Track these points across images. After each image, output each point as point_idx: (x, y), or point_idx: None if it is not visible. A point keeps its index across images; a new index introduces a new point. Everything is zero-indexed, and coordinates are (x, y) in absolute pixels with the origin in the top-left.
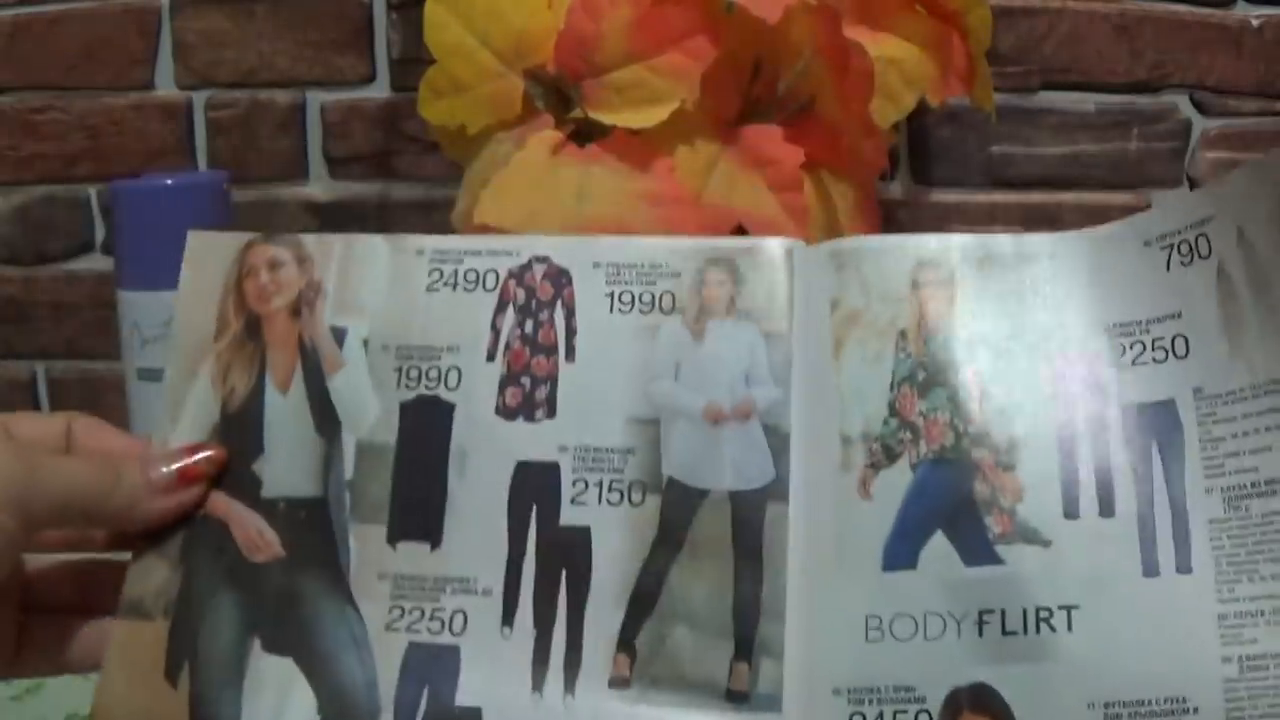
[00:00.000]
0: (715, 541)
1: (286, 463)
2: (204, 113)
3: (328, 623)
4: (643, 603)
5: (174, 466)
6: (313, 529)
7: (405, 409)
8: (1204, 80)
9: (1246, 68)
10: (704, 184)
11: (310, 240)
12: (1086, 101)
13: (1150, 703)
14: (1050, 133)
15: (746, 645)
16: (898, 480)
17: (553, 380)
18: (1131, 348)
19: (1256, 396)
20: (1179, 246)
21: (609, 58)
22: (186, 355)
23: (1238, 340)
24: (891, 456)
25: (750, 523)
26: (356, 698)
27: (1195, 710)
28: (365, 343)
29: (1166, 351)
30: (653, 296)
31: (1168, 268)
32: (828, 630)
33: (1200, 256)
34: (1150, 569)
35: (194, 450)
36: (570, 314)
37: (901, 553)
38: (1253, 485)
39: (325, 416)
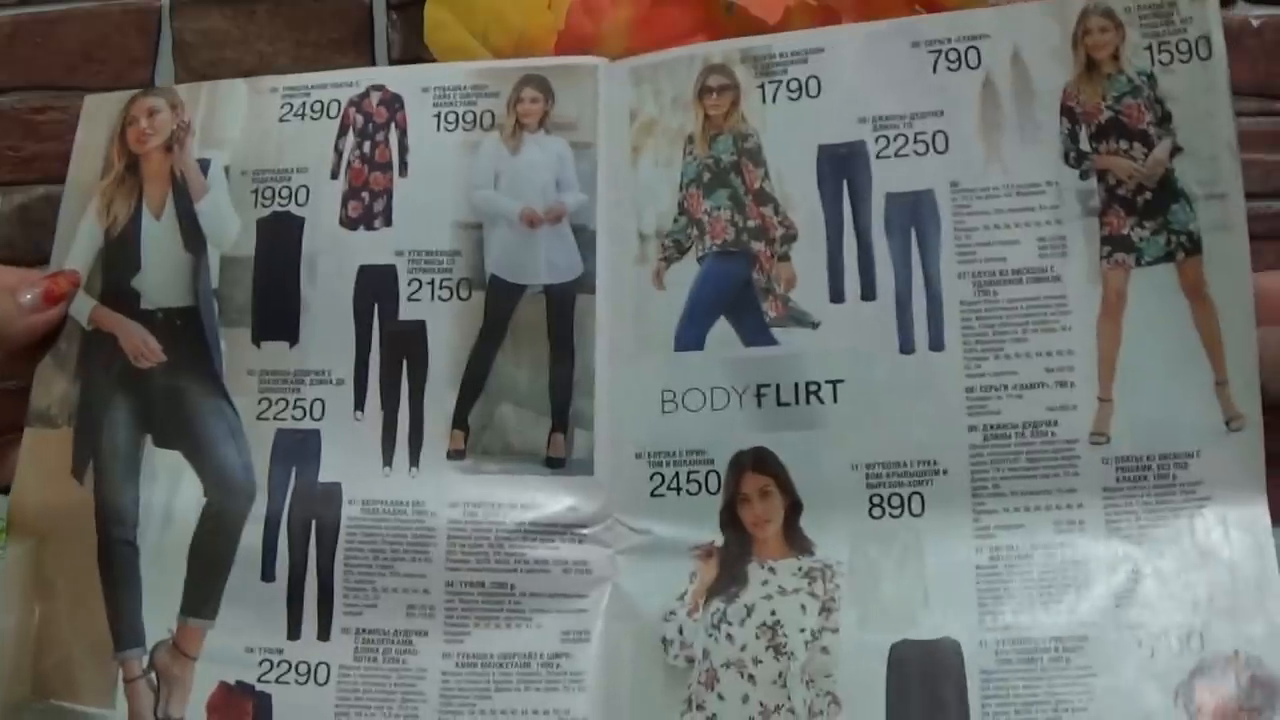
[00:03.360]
0: (533, 329)
1: (161, 278)
2: None
3: (208, 417)
4: (473, 385)
5: (38, 290)
6: (188, 335)
7: (261, 224)
8: None
9: (1246, 68)
10: None
11: (182, 89)
12: None
13: (906, 464)
14: None
15: (562, 418)
16: (686, 272)
17: (388, 193)
18: (894, 140)
19: (1009, 195)
20: (947, 53)
21: (609, 58)
22: (76, 196)
23: (995, 144)
24: (681, 250)
25: (563, 312)
26: (236, 480)
27: (945, 472)
28: (226, 170)
29: (927, 145)
30: (474, 115)
31: (934, 69)
32: (630, 403)
33: (969, 66)
34: (907, 346)
35: (55, 274)
36: (403, 134)
37: (690, 335)
38: (1000, 273)
39: (193, 235)
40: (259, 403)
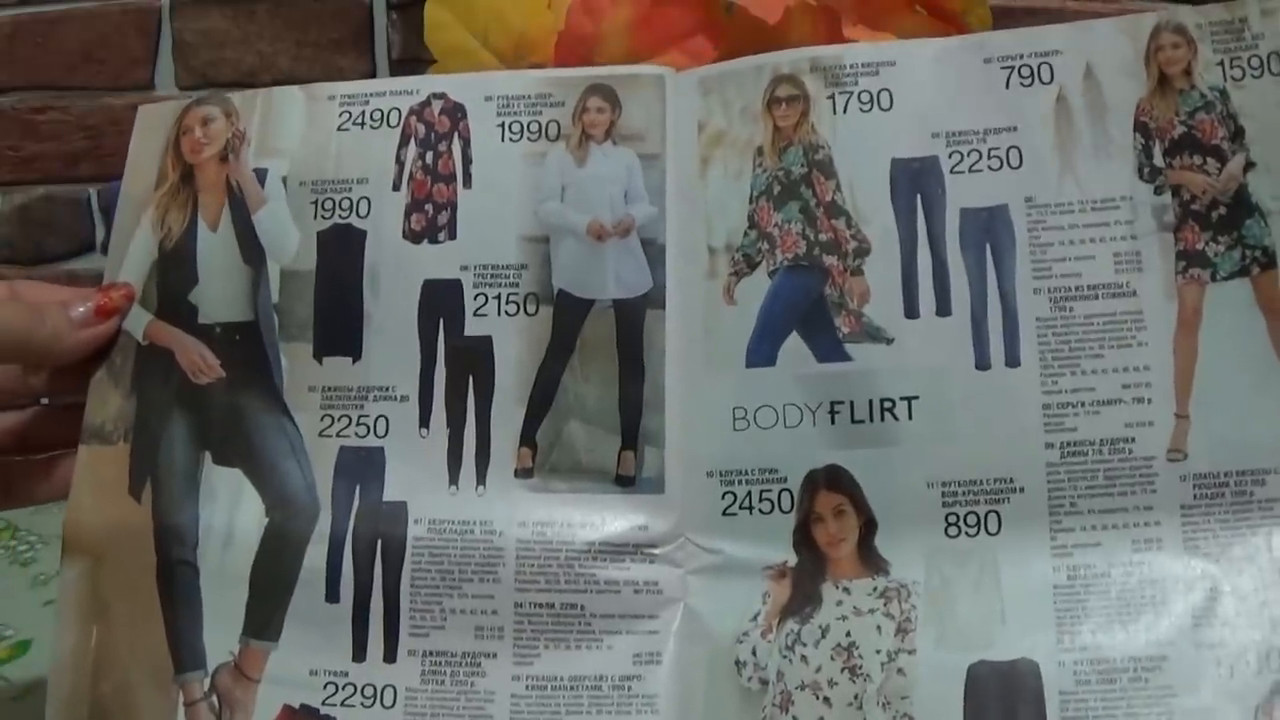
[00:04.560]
0: (602, 345)
1: (219, 291)
2: None
3: (268, 434)
4: (541, 402)
5: (90, 304)
6: (247, 350)
7: (322, 237)
8: None
9: None
10: None
11: (237, 97)
12: None
13: (982, 482)
14: None
15: (631, 436)
16: (757, 287)
17: (452, 206)
18: (968, 155)
19: (1084, 211)
20: (1020, 69)
21: (609, 58)
22: (130, 209)
23: (1069, 160)
24: (752, 265)
25: (632, 328)
26: (299, 499)
27: (1021, 490)
28: (284, 180)
29: (1001, 160)
30: (539, 125)
31: (1007, 85)
32: (701, 421)
33: (1041, 82)
34: (982, 362)
35: (108, 288)
36: (466, 144)
37: (762, 351)
38: (1076, 289)
39: (251, 247)
40: (321, 419)
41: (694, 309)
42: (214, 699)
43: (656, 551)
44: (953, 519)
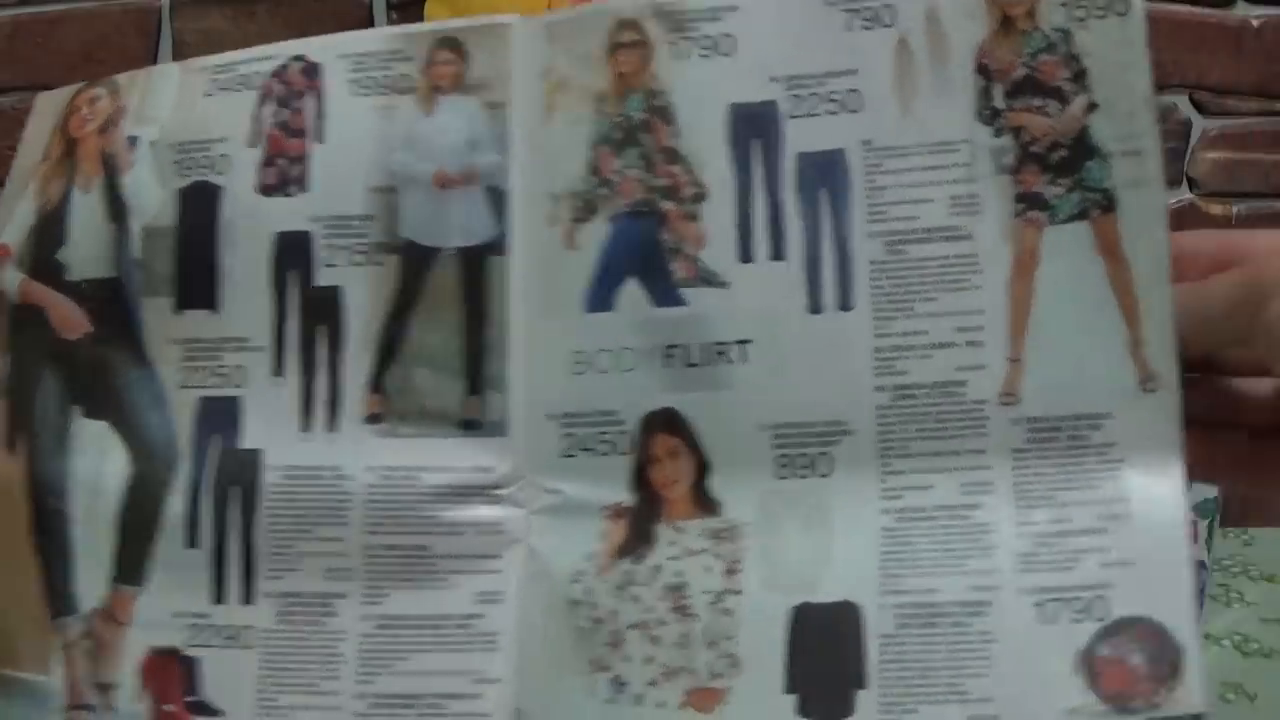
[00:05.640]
0: (447, 293)
1: (86, 250)
2: None
3: (134, 387)
4: (388, 350)
5: None
6: (113, 306)
7: (183, 194)
8: (1203, 80)
9: (1246, 68)
10: None
11: (123, 76)
12: None
13: (813, 425)
14: None
15: (476, 381)
16: (597, 232)
17: (304, 160)
18: (807, 99)
19: (921, 154)
20: (862, 11)
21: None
22: (19, 179)
23: (909, 103)
24: (592, 210)
25: (475, 275)
26: (160, 449)
27: (852, 432)
28: (153, 144)
29: (840, 104)
30: (390, 79)
31: (848, 28)
32: (542, 365)
33: (883, 24)
34: (816, 306)
35: None
36: (320, 101)
37: (600, 296)
38: (911, 232)
39: (116, 207)
40: (182, 371)
41: (536, 255)
42: (87, 642)
43: (500, 493)
44: (784, 461)
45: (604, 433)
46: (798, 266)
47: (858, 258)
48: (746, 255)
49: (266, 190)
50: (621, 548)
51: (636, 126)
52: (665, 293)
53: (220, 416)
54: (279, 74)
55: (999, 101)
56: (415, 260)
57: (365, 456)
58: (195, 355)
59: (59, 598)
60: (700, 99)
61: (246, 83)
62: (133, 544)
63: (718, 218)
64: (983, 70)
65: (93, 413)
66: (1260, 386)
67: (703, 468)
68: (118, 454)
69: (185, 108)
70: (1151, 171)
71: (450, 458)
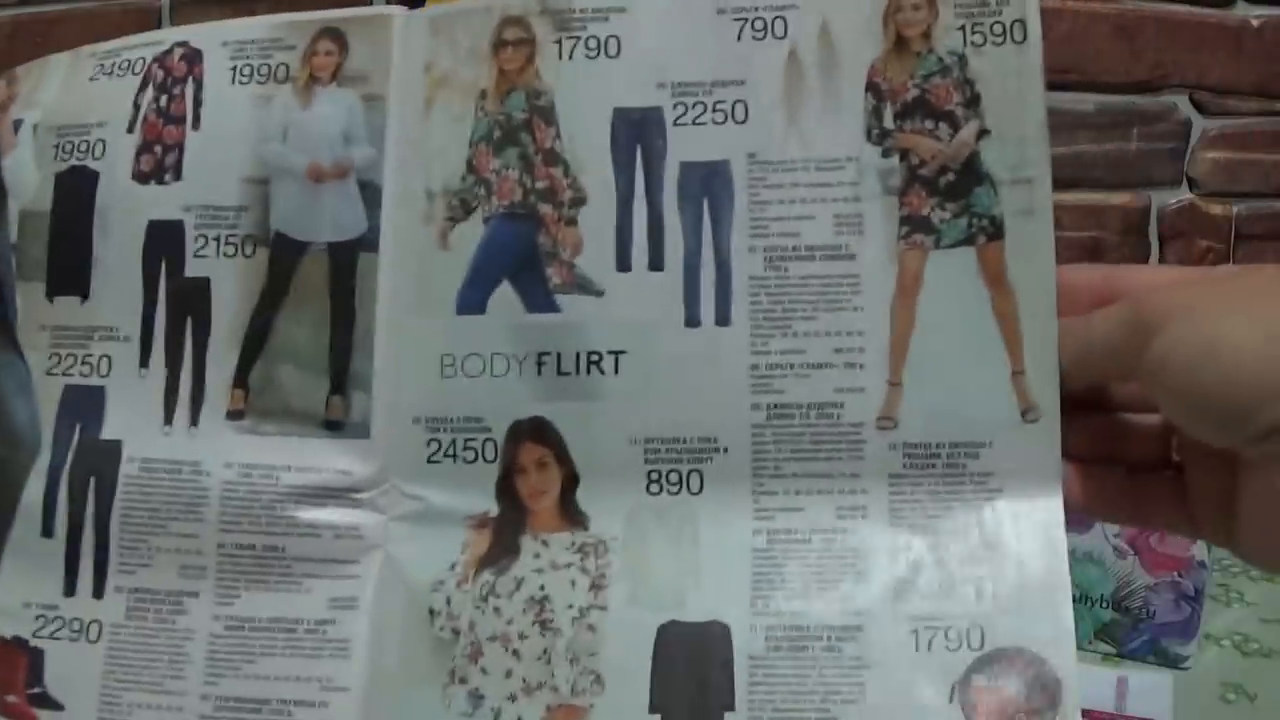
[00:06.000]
0: (315, 289)
1: None
2: None
3: (3, 368)
4: (254, 345)
5: None
6: None
7: (60, 179)
8: (1204, 80)
9: (1246, 68)
10: None
11: (22, 67)
12: (1086, 101)
13: (686, 441)
14: (1050, 132)
15: (340, 381)
16: (472, 232)
17: (180, 147)
18: (693, 107)
19: (806, 170)
20: (753, 22)
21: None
22: None
23: (797, 116)
24: (468, 210)
25: (344, 271)
26: (22, 434)
27: (725, 450)
28: (35, 128)
29: (726, 115)
30: (269, 68)
31: (738, 38)
32: (409, 367)
33: (775, 36)
34: (693, 320)
35: None
36: (199, 87)
37: (472, 298)
38: (793, 249)
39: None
40: (50, 358)
41: (408, 253)
42: None
43: (359, 497)
44: (655, 476)
45: (470, 439)
46: (676, 278)
47: (737, 272)
48: (624, 264)
49: (141, 177)
50: (484, 558)
51: (517, 126)
52: (539, 298)
53: (83, 405)
54: (161, 59)
55: (889, 122)
56: (285, 254)
57: (224, 453)
58: (63, 343)
59: None
60: (583, 100)
61: (130, 68)
62: None
63: (596, 224)
64: (873, 89)
65: None
66: (1143, 422)
67: (572, 480)
68: None
69: (69, 91)
70: (1040, 201)
71: (311, 458)
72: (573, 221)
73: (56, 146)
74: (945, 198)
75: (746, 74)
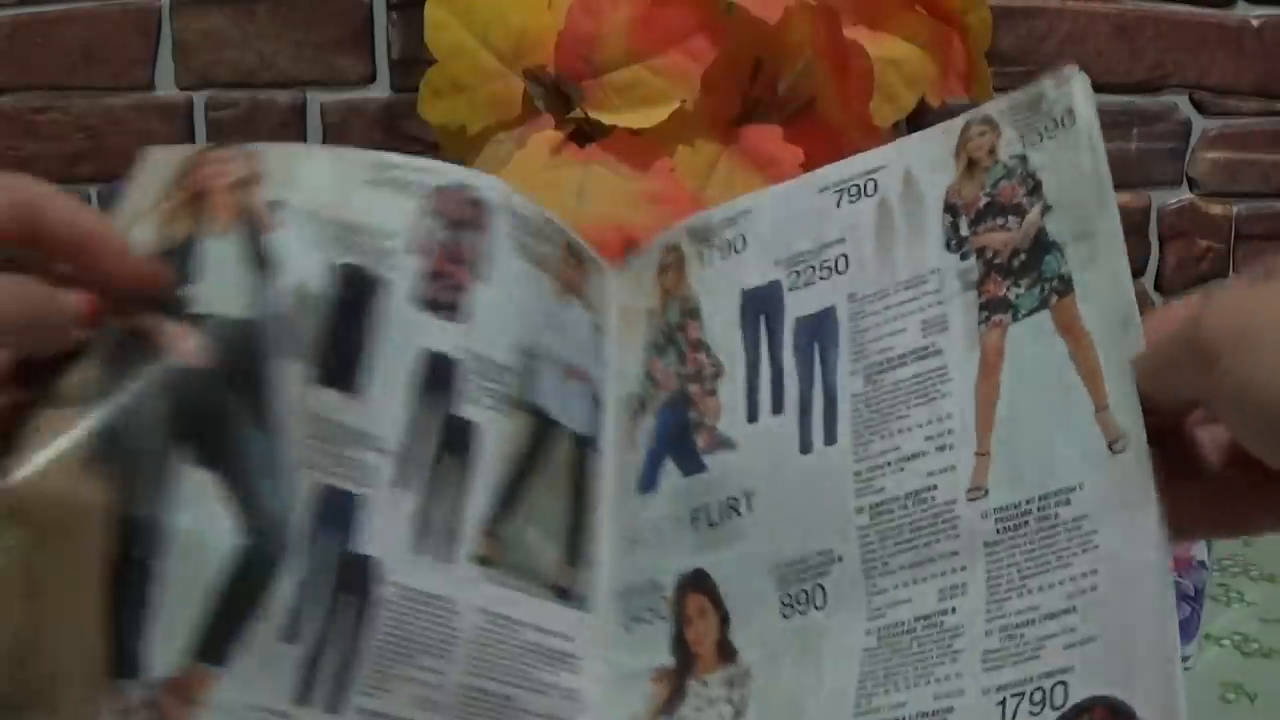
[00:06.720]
0: (561, 468)
1: (217, 290)
2: (204, 113)
3: (251, 445)
4: (509, 502)
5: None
6: (242, 350)
7: (342, 269)
8: (1204, 80)
9: (1246, 68)
10: (704, 184)
11: (255, 145)
12: None
13: (807, 559)
14: None
15: (574, 553)
16: (647, 424)
17: (466, 290)
18: (804, 273)
19: (897, 291)
20: (849, 190)
21: (609, 58)
22: (121, 224)
23: (886, 246)
24: (643, 407)
25: (582, 460)
26: (272, 524)
27: (840, 559)
28: (308, 214)
29: (831, 270)
30: (539, 254)
31: (838, 205)
32: (611, 547)
33: (866, 195)
34: (806, 446)
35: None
36: (489, 241)
37: (650, 478)
38: (887, 361)
39: (258, 259)
40: (306, 449)
41: (612, 449)
42: (150, 713)
43: (579, 662)
44: (786, 600)
45: (653, 604)
46: (793, 415)
47: (842, 395)
48: (753, 416)
49: (425, 304)
50: (662, 708)
51: (674, 328)
52: (692, 463)
53: (340, 511)
54: (443, 192)
55: (964, 230)
56: (543, 426)
57: (476, 597)
58: (323, 437)
59: (124, 657)
60: (719, 292)
61: (406, 189)
62: (225, 621)
63: (730, 389)
64: (950, 208)
65: (201, 460)
66: (1215, 435)
67: (724, 620)
68: (225, 517)
69: (342, 187)
70: (1104, 247)
71: (545, 619)
72: (713, 393)
73: (336, 239)
74: (1019, 275)
75: (846, 232)
